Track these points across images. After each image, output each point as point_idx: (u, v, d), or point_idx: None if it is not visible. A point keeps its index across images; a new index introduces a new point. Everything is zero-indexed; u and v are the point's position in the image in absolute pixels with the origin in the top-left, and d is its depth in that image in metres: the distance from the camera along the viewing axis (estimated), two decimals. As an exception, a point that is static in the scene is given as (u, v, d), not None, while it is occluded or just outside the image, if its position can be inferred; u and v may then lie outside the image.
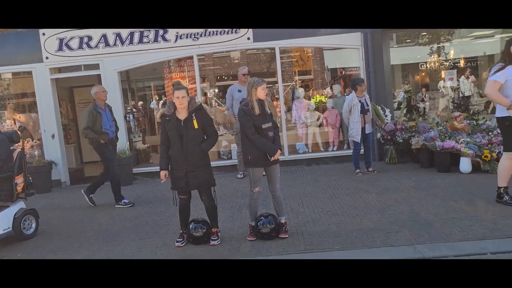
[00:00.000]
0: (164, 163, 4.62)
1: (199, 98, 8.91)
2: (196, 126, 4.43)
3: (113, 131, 6.90)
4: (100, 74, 8.70)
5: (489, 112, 10.52)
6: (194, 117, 4.44)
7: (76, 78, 9.83)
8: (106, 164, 6.75)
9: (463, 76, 12.33)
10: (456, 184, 6.18)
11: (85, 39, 8.50)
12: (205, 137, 4.58)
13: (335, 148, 9.18)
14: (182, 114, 4.49)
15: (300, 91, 9.94)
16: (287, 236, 4.62)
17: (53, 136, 8.72)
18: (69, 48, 8.54)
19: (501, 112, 4.90)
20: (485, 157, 6.65)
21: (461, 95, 12.07)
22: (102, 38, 8.48)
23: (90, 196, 6.88)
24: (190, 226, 4.71)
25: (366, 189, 6.39)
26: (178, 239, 4.72)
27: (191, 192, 4.73)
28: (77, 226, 5.90)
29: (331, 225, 4.94)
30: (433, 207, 5.21)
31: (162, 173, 4.60)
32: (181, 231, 4.76)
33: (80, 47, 8.53)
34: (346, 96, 8.43)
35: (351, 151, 7.78)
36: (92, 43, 8.51)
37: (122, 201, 6.71)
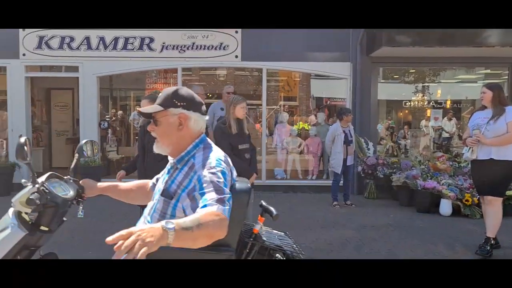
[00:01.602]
0: (126, 166, 4.37)
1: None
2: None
3: None
4: (78, 77, 8.33)
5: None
6: None
7: (54, 79, 9.49)
8: None
9: (445, 118, 12.39)
10: (435, 226, 5.97)
11: (67, 40, 8.15)
12: None
13: (314, 177, 8.94)
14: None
15: (285, 116, 9.75)
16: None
17: (20, 136, 8.23)
18: (49, 47, 8.17)
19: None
20: (466, 200, 6.48)
21: (443, 135, 12.08)
22: (85, 40, 8.15)
23: None
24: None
25: (343, 223, 6.13)
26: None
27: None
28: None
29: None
30: (411, 248, 4.97)
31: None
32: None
33: (61, 47, 8.17)
34: (330, 125, 8.26)
35: (330, 181, 7.55)
36: (74, 45, 8.16)
37: None
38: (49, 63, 8.43)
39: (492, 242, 4.72)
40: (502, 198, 4.79)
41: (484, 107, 4.79)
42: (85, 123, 8.38)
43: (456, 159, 7.95)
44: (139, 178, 4.24)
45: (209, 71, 11.76)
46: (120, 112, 12.21)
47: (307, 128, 9.99)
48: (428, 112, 11.97)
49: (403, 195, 7.28)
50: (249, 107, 11.31)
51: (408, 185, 7.01)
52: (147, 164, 4.11)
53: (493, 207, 4.70)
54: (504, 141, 4.57)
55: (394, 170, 7.57)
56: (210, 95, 13.98)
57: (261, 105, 8.88)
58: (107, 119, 9.68)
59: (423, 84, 12.67)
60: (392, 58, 8.27)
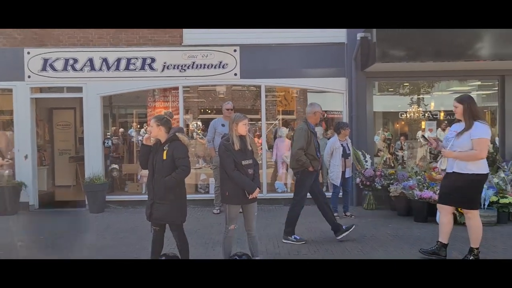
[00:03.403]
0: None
1: (181, 130, 8.81)
2: (164, 157, 4.29)
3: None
4: (82, 98, 8.56)
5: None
6: (166, 148, 4.32)
7: (57, 99, 9.69)
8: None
9: (439, 129, 12.60)
10: (433, 235, 6.13)
11: (71, 61, 8.40)
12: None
13: (314, 190, 9.11)
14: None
15: (283, 130, 9.96)
16: (260, 278, 4.46)
17: (26, 156, 8.44)
18: (53, 69, 8.41)
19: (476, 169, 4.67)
20: (461, 210, 6.67)
21: (439, 146, 12.29)
22: (88, 61, 8.40)
23: (293, 236, 5.91)
24: (160, 261, 4.51)
25: (343, 234, 6.30)
26: (146, 274, 4.49)
27: (165, 225, 4.55)
28: (33, 252, 5.60)
29: (306, 269, 4.81)
30: (410, 257, 5.15)
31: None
32: (150, 266, 4.54)
33: (65, 69, 8.41)
34: (328, 139, 8.47)
35: (330, 194, 7.75)
36: (77, 66, 8.41)
37: (293, 237, 5.89)
38: (54, 85, 8.66)
39: (475, 252, 4.80)
40: (476, 211, 4.76)
41: (460, 120, 4.80)
42: (89, 142, 8.59)
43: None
44: (148, 193, 4.46)
45: (208, 87, 11.99)
46: (121, 129, 12.43)
47: (306, 142, 10.16)
48: (423, 123, 12.19)
49: (400, 205, 7.48)
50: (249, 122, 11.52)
51: (405, 195, 7.22)
52: (155, 182, 4.32)
53: (469, 219, 4.78)
54: (466, 157, 4.59)
55: (392, 181, 7.78)
56: (209, 111, 14.24)
57: (259, 119, 9.11)
58: (108, 136, 9.86)
59: (418, 96, 12.90)
60: (386, 72, 8.55)
